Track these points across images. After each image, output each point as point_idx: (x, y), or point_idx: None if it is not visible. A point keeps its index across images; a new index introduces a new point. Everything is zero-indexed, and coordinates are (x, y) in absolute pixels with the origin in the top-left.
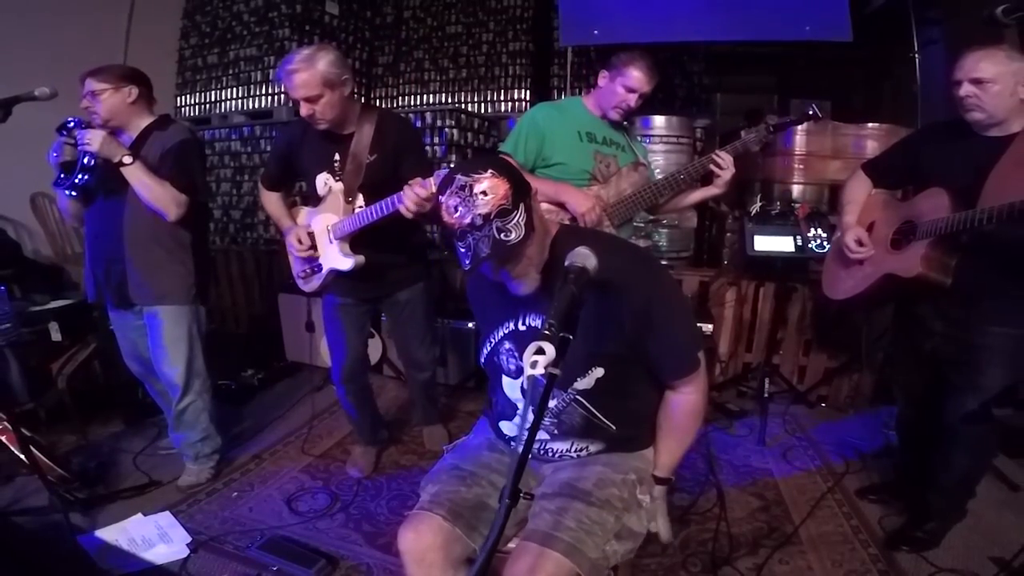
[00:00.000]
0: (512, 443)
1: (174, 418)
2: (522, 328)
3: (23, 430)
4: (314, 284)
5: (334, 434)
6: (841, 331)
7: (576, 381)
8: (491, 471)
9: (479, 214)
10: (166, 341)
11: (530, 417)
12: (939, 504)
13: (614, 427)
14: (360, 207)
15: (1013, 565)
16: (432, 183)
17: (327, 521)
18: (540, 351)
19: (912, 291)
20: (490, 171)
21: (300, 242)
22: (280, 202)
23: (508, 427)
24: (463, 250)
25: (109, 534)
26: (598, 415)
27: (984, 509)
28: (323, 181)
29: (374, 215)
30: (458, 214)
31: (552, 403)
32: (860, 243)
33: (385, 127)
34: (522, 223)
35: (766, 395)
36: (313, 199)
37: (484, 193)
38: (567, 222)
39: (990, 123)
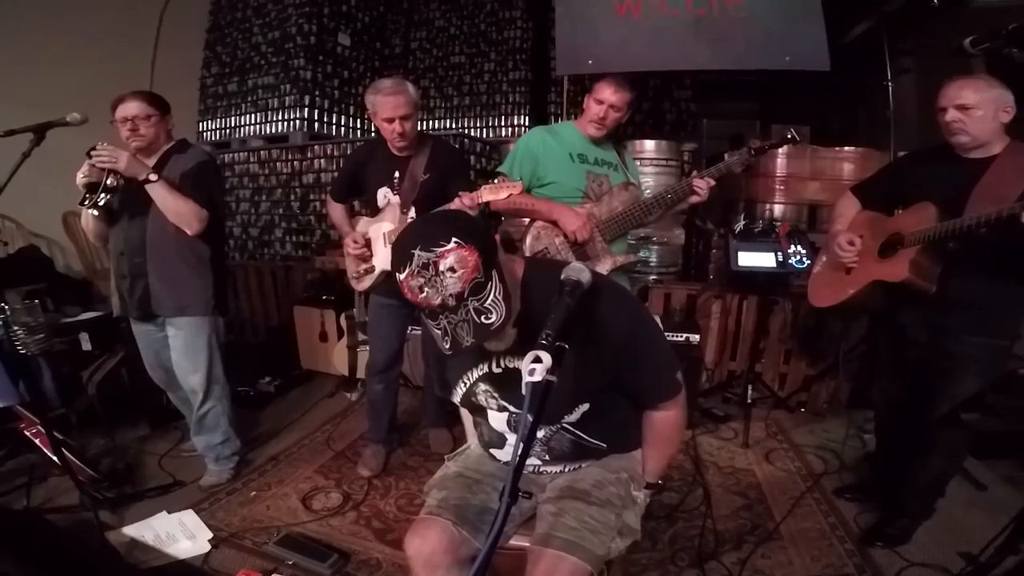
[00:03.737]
0: (507, 465)
1: (195, 423)
2: (497, 370)
3: (56, 433)
4: (365, 284)
5: (346, 437)
6: (819, 341)
7: (564, 417)
8: (495, 478)
9: (450, 295)
10: (187, 350)
11: (520, 430)
12: (911, 502)
13: (604, 445)
14: (413, 218)
15: (980, 560)
16: (477, 195)
17: (339, 518)
18: (537, 359)
19: (897, 299)
20: (454, 241)
21: (355, 242)
22: (344, 212)
23: (499, 454)
24: (438, 331)
25: (136, 530)
26: (587, 438)
27: (953, 507)
28: (383, 194)
29: None
30: (424, 295)
31: (540, 433)
32: (852, 243)
33: (438, 152)
34: (499, 296)
35: (749, 401)
36: (372, 210)
37: (452, 270)
38: (560, 238)
39: (974, 146)
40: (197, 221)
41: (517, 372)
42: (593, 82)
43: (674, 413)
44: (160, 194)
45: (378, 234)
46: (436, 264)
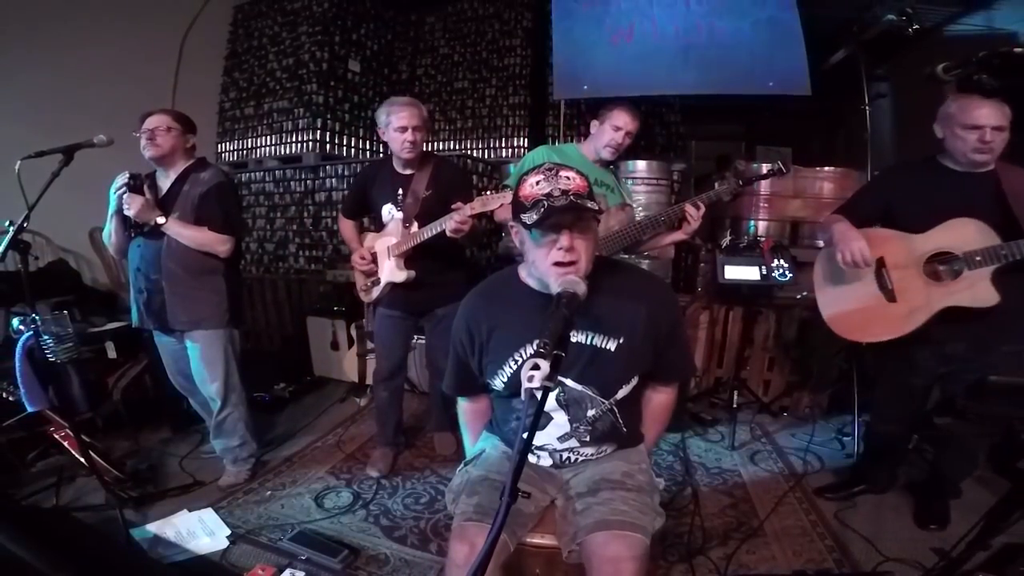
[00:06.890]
0: (538, 452)
1: (214, 427)
2: None
3: (83, 436)
4: (373, 295)
5: (356, 440)
6: (800, 350)
7: (619, 391)
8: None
9: (560, 188)
10: (204, 361)
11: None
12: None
13: (626, 429)
14: (415, 231)
15: (952, 555)
16: (471, 207)
17: (350, 516)
18: (536, 367)
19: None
20: (575, 170)
21: (363, 258)
22: (354, 228)
23: (539, 437)
24: (533, 216)
25: (158, 527)
26: (620, 420)
27: None
28: (388, 210)
29: (425, 235)
30: (538, 187)
31: (590, 412)
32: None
33: (440, 170)
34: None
35: (735, 406)
36: (377, 225)
37: (568, 178)
38: None
39: (986, 163)
40: (220, 245)
41: (572, 345)
42: (595, 105)
43: (673, 395)
44: (175, 232)
45: (383, 247)
46: (559, 171)
